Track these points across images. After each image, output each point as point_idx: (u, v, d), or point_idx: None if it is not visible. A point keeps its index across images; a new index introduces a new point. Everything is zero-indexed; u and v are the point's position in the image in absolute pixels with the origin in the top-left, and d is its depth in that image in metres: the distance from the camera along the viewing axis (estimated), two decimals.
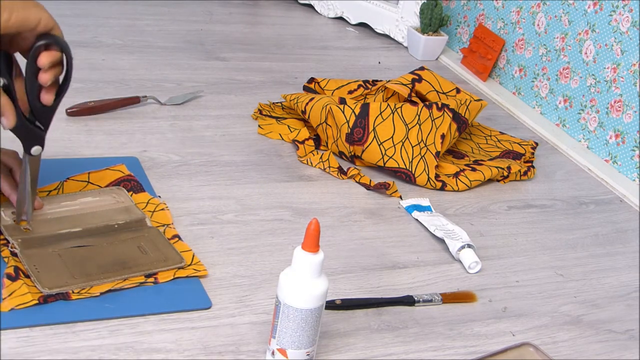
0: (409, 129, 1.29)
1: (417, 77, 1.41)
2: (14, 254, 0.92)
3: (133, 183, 1.10)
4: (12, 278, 0.87)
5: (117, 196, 1.07)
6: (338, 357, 0.88)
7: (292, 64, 1.72)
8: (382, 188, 1.25)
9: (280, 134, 1.37)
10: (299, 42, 1.87)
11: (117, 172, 1.12)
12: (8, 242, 0.94)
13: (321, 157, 1.30)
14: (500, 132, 1.53)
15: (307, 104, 1.35)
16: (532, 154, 1.45)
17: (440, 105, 1.32)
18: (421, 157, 1.29)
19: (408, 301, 0.99)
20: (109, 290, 0.89)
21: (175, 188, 1.15)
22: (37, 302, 0.85)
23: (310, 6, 2.13)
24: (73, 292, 0.88)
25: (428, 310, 0.99)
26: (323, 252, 0.79)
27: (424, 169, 1.28)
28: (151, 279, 0.92)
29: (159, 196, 1.11)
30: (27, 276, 0.89)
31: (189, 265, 0.96)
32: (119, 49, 1.62)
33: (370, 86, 1.51)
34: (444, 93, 1.42)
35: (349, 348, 0.90)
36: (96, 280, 0.90)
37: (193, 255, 0.98)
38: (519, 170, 1.37)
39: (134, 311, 0.88)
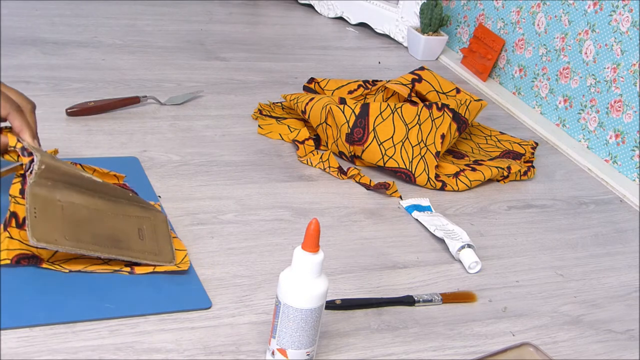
0: (409, 129, 1.29)
1: (417, 77, 1.41)
2: (22, 192, 0.90)
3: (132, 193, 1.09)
4: (4, 225, 0.89)
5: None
6: (338, 357, 0.88)
7: (292, 64, 1.72)
8: (382, 188, 1.25)
9: (280, 134, 1.37)
10: (299, 42, 1.87)
11: (115, 179, 1.09)
12: (25, 174, 0.91)
13: (321, 157, 1.30)
14: (500, 132, 1.53)
15: (307, 104, 1.35)
16: (532, 154, 1.45)
17: (440, 105, 1.32)
18: (421, 157, 1.29)
19: (408, 301, 0.99)
20: (79, 271, 0.90)
21: (175, 188, 1.15)
22: (8, 261, 0.87)
23: (310, 6, 2.13)
24: (45, 262, 0.89)
25: (428, 310, 0.99)
26: (323, 252, 0.79)
27: (424, 169, 1.28)
28: (127, 269, 0.92)
29: (159, 196, 1.11)
30: (20, 225, 0.89)
31: (177, 264, 0.96)
32: (119, 49, 1.62)
33: (370, 86, 1.51)
34: (444, 93, 1.42)
35: (349, 348, 0.90)
36: (84, 249, 0.88)
37: (185, 256, 0.97)
38: (519, 170, 1.37)
39: (134, 311, 0.88)
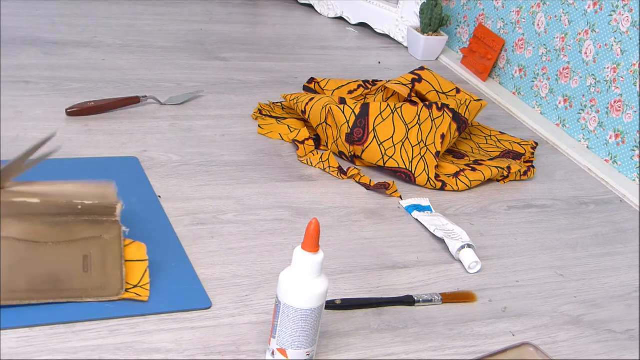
0: (409, 129, 1.29)
1: (417, 77, 1.41)
2: None
3: None
4: None
5: (103, 187, 0.91)
6: (338, 357, 0.88)
7: (292, 64, 1.72)
8: (382, 188, 1.25)
9: (280, 134, 1.37)
10: (299, 42, 1.87)
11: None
12: None
13: (321, 157, 1.30)
14: (500, 132, 1.53)
15: (307, 104, 1.35)
16: (532, 154, 1.45)
17: (440, 105, 1.32)
18: (421, 157, 1.29)
19: (408, 301, 0.99)
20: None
21: (175, 188, 1.15)
22: None
23: (310, 6, 2.13)
24: None
25: (428, 310, 0.99)
26: (323, 252, 0.79)
27: (424, 169, 1.28)
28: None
29: (159, 196, 1.11)
30: None
31: (136, 285, 0.90)
32: (119, 49, 1.62)
33: (370, 86, 1.51)
34: (444, 93, 1.42)
35: (349, 348, 0.90)
36: (17, 299, 0.84)
37: (145, 270, 0.91)
38: (519, 170, 1.37)
39: (134, 311, 0.88)
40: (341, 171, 1.29)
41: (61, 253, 0.86)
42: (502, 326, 0.99)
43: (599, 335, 1.01)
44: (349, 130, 1.29)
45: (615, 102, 1.49)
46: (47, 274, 0.86)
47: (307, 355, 0.83)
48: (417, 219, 1.19)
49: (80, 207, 0.87)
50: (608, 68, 1.51)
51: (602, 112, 1.52)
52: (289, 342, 0.81)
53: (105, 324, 0.86)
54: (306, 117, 1.36)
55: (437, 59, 1.94)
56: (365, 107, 1.29)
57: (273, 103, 1.47)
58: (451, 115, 1.32)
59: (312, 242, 0.78)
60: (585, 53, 1.57)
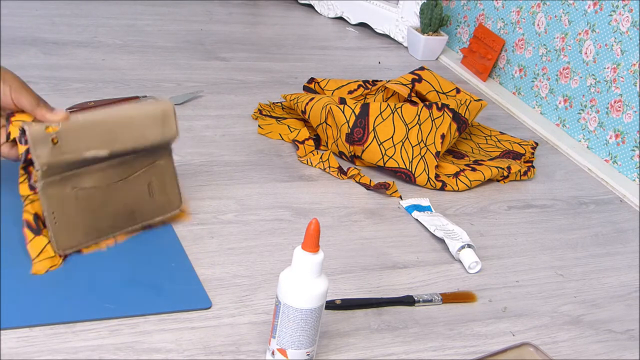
0: (409, 129, 1.29)
1: (417, 77, 1.41)
2: (32, 188, 0.90)
3: None
4: (34, 231, 0.90)
5: (161, 109, 0.99)
6: (338, 357, 0.88)
7: (292, 64, 1.72)
8: (382, 188, 1.25)
9: (280, 134, 1.37)
10: (299, 42, 1.87)
11: None
12: (28, 167, 0.90)
13: (321, 157, 1.30)
14: (500, 132, 1.53)
15: (307, 104, 1.35)
16: (532, 154, 1.45)
17: (440, 105, 1.32)
18: (421, 157, 1.29)
19: (408, 301, 0.99)
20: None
21: None
22: (62, 260, 0.92)
23: (310, 6, 2.13)
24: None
25: (428, 310, 0.99)
26: (323, 252, 0.79)
27: (424, 169, 1.28)
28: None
29: None
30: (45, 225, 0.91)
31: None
32: (119, 49, 1.62)
33: (370, 86, 1.51)
34: (444, 93, 1.42)
35: (349, 348, 0.90)
36: (104, 235, 0.95)
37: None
38: (519, 170, 1.37)
39: (134, 311, 0.88)
40: (341, 171, 1.29)
41: (130, 187, 0.97)
42: (502, 326, 0.99)
43: (599, 335, 1.01)
44: (349, 130, 1.29)
45: (615, 102, 1.49)
46: (123, 207, 0.97)
47: (307, 355, 0.83)
48: (417, 219, 1.19)
49: (143, 148, 0.97)
50: (608, 68, 1.51)
51: (602, 112, 1.52)
52: (289, 342, 0.81)
53: (105, 324, 0.86)
54: (306, 117, 1.36)
55: (437, 59, 1.94)
56: (365, 107, 1.29)
57: (273, 103, 1.47)
58: (451, 115, 1.32)
59: (312, 242, 0.78)
60: (585, 53, 1.57)
